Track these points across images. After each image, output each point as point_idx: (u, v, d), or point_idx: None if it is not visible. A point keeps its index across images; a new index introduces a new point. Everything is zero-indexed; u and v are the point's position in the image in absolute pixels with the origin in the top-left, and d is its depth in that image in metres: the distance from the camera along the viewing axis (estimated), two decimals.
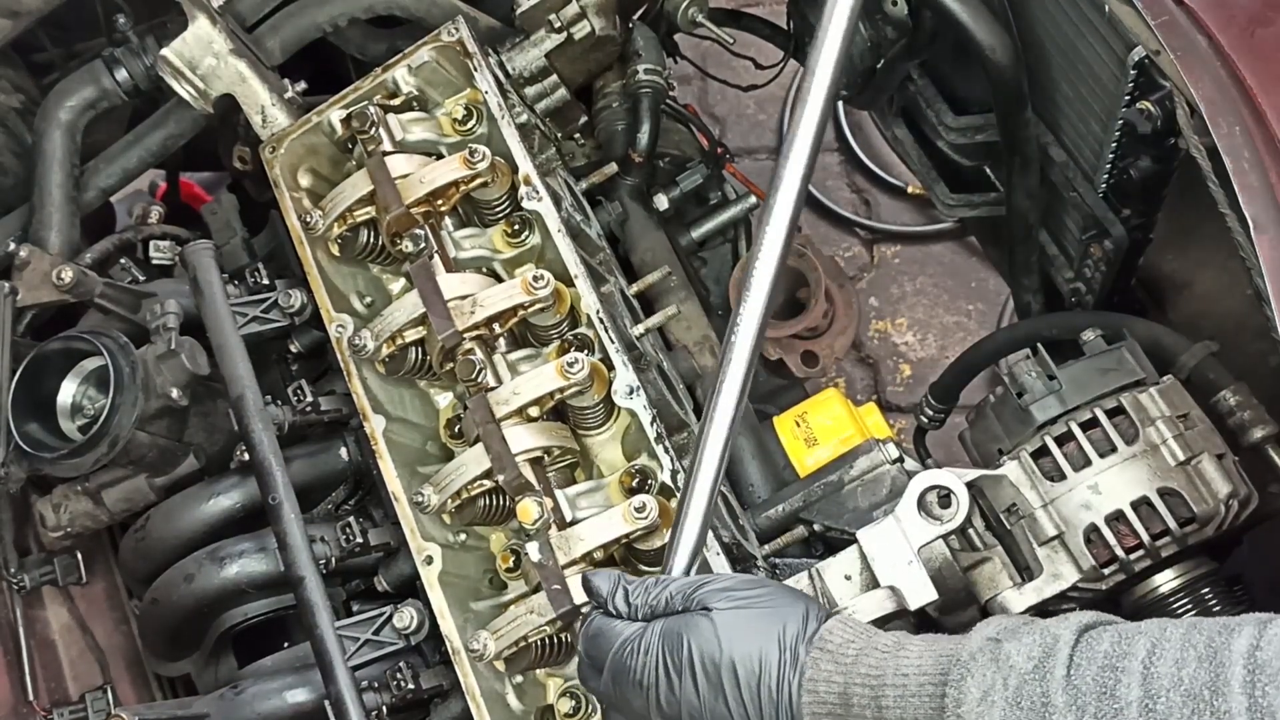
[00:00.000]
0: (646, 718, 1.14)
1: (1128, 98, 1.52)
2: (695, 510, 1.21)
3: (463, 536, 1.59)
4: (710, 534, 1.43)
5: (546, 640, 1.47)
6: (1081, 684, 0.92)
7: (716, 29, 2.09)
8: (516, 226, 1.67)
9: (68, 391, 1.67)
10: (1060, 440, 1.43)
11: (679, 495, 1.26)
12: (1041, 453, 1.44)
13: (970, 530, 1.46)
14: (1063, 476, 1.42)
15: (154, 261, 1.88)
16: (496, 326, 1.58)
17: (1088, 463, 1.41)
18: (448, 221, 1.68)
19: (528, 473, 1.48)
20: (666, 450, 1.49)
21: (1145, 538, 1.38)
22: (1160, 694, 0.88)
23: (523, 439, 1.49)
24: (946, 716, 0.98)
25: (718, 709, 1.08)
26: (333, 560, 1.59)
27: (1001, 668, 0.97)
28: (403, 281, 1.75)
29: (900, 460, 1.58)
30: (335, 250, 1.72)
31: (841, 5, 1.22)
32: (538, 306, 1.57)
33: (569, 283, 1.60)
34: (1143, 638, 0.93)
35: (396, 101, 1.75)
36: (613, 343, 1.55)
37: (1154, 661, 0.90)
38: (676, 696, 1.10)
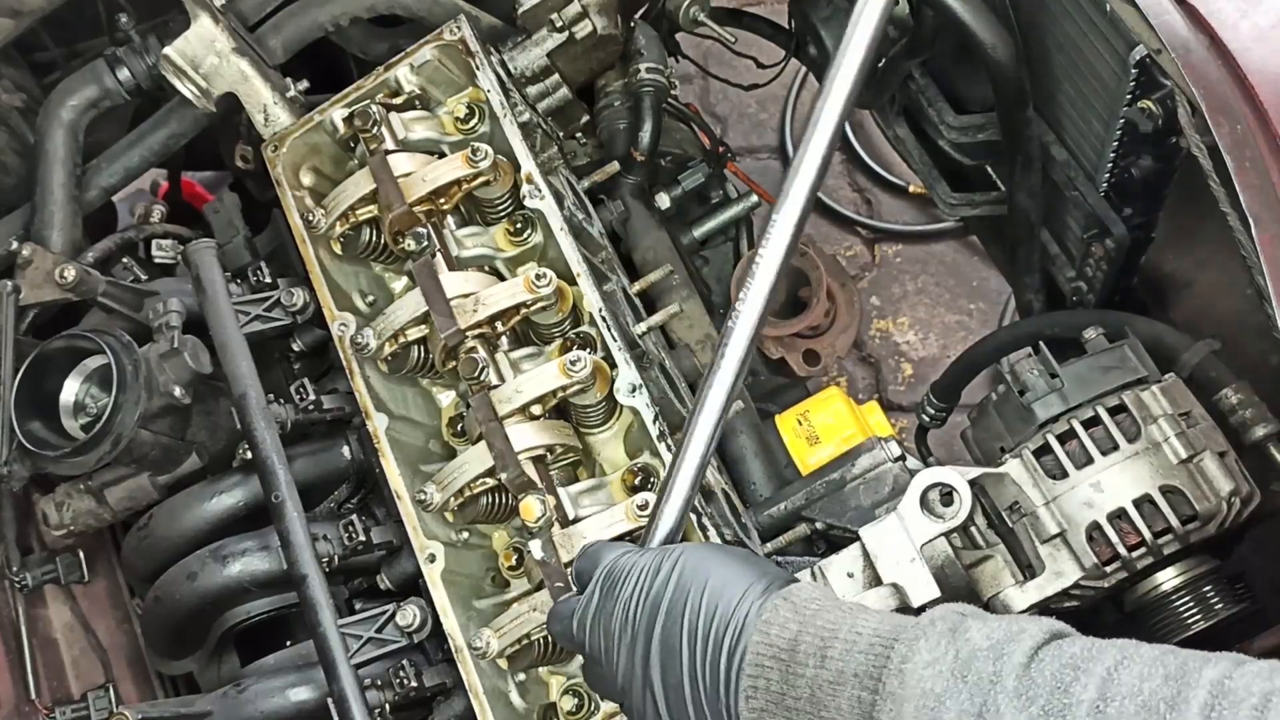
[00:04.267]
0: (613, 647, 1.13)
1: (1129, 96, 1.52)
2: (680, 488, 1.21)
3: (465, 535, 1.59)
4: (713, 531, 1.44)
5: (549, 638, 1.47)
6: (1039, 676, 0.89)
7: (718, 28, 2.09)
8: (519, 225, 1.67)
9: (70, 390, 1.67)
10: (1062, 438, 1.44)
11: (665, 471, 1.25)
12: (1044, 450, 1.44)
13: (972, 528, 1.46)
14: (1065, 474, 1.42)
15: (156, 260, 1.88)
16: (499, 325, 1.58)
17: (1090, 460, 1.41)
18: (450, 220, 1.68)
19: (530, 471, 1.48)
20: (669, 448, 1.49)
21: (1147, 535, 1.38)
22: (1115, 698, 0.86)
23: (525, 437, 1.49)
24: (889, 671, 0.95)
25: (670, 627, 1.08)
26: (335, 558, 1.59)
27: (957, 639, 0.94)
28: (405, 280, 1.75)
29: (902, 458, 1.59)
30: (337, 249, 1.72)
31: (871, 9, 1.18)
32: (540, 305, 1.58)
33: (571, 281, 1.61)
34: (1114, 649, 0.91)
35: (398, 100, 1.75)
36: (615, 341, 1.55)
37: (1118, 671, 0.88)
38: (646, 600, 1.10)
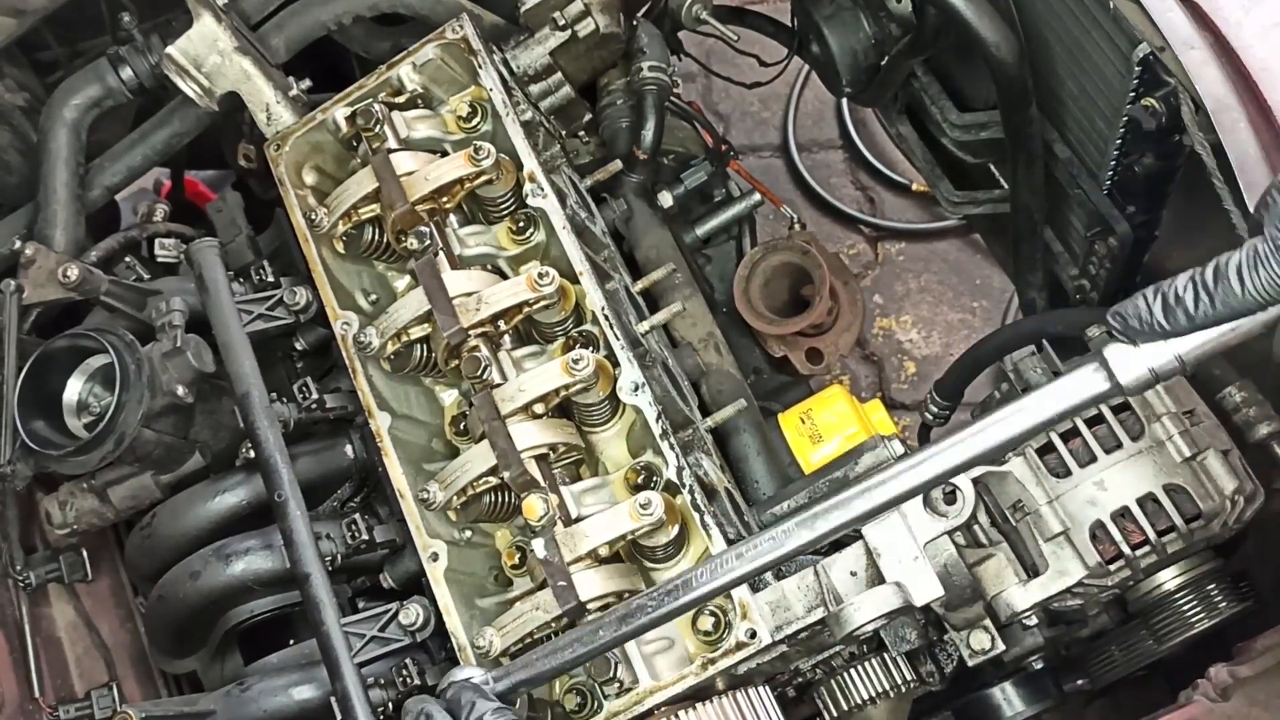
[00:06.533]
0: None
1: (1132, 94, 1.52)
2: None
3: (468, 533, 1.59)
4: (716, 531, 1.44)
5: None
6: None
7: (721, 26, 2.09)
8: (521, 223, 1.67)
9: (74, 389, 1.67)
10: (1065, 436, 1.44)
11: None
12: (1047, 449, 1.44)
13: (975, 526, 1.46)
14: (1068, 473, 1.42)
15: (159, 259, 1.88)
16: (501, 323, 1.58)
17: (1093, 459, 1.41)
18: (452, 219, 1.68)
19: (533, 469, 1.48)
20: (671, 447, 1.49)
21: (1151, 534, 1.38)
22: None
23: (528, 435, 1.49)
24: None
25: None
26: (338, 557, 1.59)
27: None
28: (408, 279, 1.75)
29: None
30: (340, 248, 1.72)
31: None
32: (543, 303, 1.58)
33: (574, 280, 1.61)
34: None
35: (401, 99, 1.75)
36: (618, 339, 1.55)
37: None
38: None
